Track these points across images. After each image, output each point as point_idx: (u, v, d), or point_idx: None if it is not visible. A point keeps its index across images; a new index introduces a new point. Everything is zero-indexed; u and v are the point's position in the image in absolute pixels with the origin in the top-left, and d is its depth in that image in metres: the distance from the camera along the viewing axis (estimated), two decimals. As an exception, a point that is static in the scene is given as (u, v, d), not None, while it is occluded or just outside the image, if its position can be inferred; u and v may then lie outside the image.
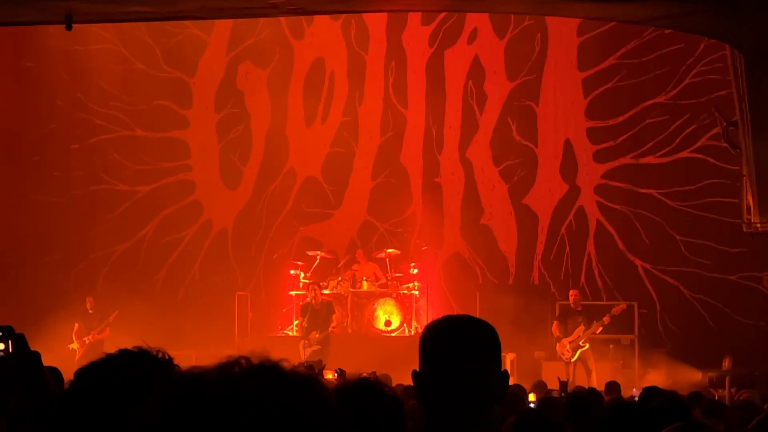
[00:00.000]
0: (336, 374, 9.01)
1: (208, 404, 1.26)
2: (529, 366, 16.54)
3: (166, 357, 2.43)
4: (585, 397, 7.07)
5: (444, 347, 2.67)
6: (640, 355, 17.07)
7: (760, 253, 16.72)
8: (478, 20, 19.44)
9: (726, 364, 16.13)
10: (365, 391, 3.24)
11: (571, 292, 16.95)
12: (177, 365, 2.45)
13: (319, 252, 18.61)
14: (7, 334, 2.76)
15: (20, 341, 2.76)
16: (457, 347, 2.65)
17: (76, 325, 17.79)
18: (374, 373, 8.71)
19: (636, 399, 8.40)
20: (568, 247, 19.07)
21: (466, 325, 2.73)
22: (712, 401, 8.42)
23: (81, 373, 2.42)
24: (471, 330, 2.70)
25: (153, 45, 20.26)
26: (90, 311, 17.99)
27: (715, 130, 16.83)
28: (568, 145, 19.36)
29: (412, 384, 2.71)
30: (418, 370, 2.68)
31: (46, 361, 2.88)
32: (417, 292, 18.15)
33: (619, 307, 16.39)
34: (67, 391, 2.44)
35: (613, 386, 11.19)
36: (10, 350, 2.76)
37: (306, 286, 17.92)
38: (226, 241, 20.30)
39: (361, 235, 19.75)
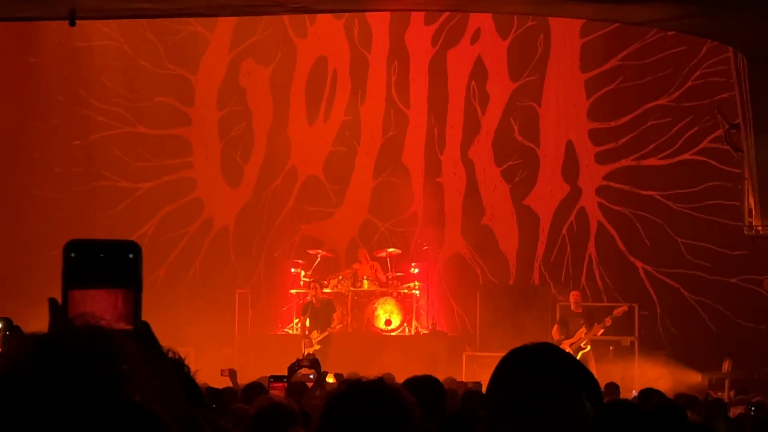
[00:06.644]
0: (336, 378, 8.95)
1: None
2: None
3: (176, 356, 2.39)
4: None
5: (339, 422, 2.37)
6: (640, 357, 17.05)
7: (761, 256, 16.71)
8: (481, 20, 19.44)
9: (726, 366, 16.13)
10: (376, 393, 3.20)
11: (572, 294, 16.88)
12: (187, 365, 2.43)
13: (319, 251, 18.61)
14: (6, 324, 2.78)
15: (17, 333, 2.77)
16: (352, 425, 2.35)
17: None
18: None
19: (637, 401, 8.39)
20: (569, 248, 19.06)
21: (366, 397, 2.41)
22: (719, 402, 8.40)
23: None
24: (369, 405, 2.41)
25: (156, 42, 20.26)
26: None
27: (717, 133, 16.82)
28: (569, 146, 19.35)
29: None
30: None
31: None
32: (417, 292, 18.14)
33: (621, 309, 16.31)
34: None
35: (611, 387, 11.18)
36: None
37: (307, 285, 17.91)
38: (227, 238, 20.30)
39: (362, 234, 19.74)
